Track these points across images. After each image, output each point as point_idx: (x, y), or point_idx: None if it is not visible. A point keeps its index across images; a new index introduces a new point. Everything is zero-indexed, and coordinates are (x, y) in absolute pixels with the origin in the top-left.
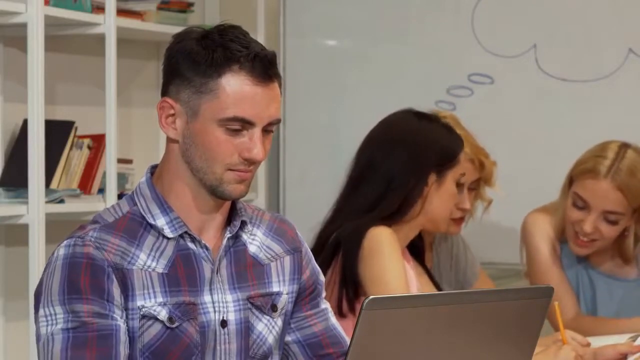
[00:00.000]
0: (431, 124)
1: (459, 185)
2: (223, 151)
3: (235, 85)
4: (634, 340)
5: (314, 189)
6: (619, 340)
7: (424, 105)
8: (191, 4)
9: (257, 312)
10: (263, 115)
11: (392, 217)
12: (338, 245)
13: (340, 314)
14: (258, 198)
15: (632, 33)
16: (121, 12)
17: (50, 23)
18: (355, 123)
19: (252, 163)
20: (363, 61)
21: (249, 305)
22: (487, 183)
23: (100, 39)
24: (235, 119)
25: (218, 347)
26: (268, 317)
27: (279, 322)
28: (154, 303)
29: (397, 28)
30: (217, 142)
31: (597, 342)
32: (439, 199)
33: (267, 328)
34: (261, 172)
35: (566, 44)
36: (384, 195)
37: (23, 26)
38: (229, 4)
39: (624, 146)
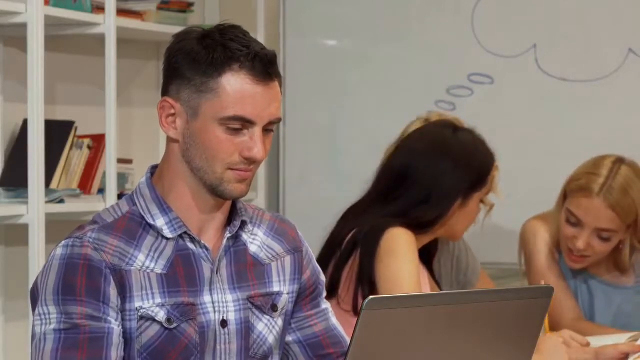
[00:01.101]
0: (471, 143)
1: None
2: (223, 150)
3: (235, 85)
4: (635, 341)
5: (314, 189)
6: (619, 340)
7: (424, 105)
8: (191, 4)
9: (257, 312)
10: (263, 115)
11: (415, 225)
12: (357, 243)
13: (355, 312)
14: (258, 198)
15: (632, 33)
16: (121, 12)
17: (50, 23)
18: (355, 123)
19: (252, 162)
20: (363, 61)
21: (249, 305)
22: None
23: (100, 39)
24: (235, 118)
25: (218, 347)
26: (268, 317)
27: (280, 322)
28: (152, 304)
29: (397, 28)
30: (217, 141)
31: (596, 342)
32: (465, 216)
33: (267, 328)
34: (261, 172)
35: (566, 44)
36: (418, 208)
37: (23, 26)
38: (229, 4)
39: (618, 161)
